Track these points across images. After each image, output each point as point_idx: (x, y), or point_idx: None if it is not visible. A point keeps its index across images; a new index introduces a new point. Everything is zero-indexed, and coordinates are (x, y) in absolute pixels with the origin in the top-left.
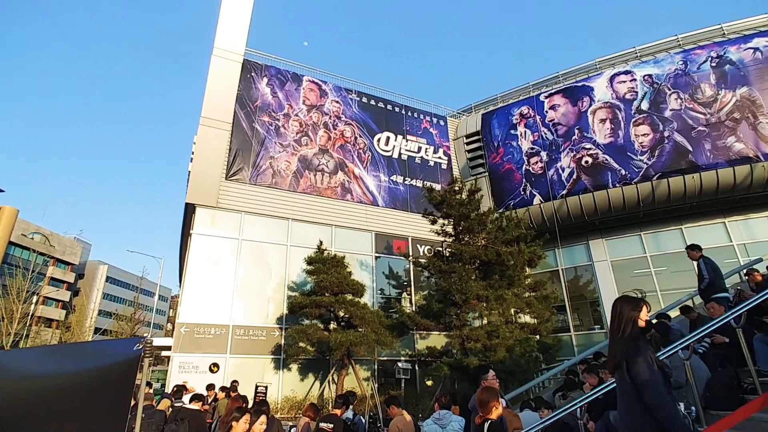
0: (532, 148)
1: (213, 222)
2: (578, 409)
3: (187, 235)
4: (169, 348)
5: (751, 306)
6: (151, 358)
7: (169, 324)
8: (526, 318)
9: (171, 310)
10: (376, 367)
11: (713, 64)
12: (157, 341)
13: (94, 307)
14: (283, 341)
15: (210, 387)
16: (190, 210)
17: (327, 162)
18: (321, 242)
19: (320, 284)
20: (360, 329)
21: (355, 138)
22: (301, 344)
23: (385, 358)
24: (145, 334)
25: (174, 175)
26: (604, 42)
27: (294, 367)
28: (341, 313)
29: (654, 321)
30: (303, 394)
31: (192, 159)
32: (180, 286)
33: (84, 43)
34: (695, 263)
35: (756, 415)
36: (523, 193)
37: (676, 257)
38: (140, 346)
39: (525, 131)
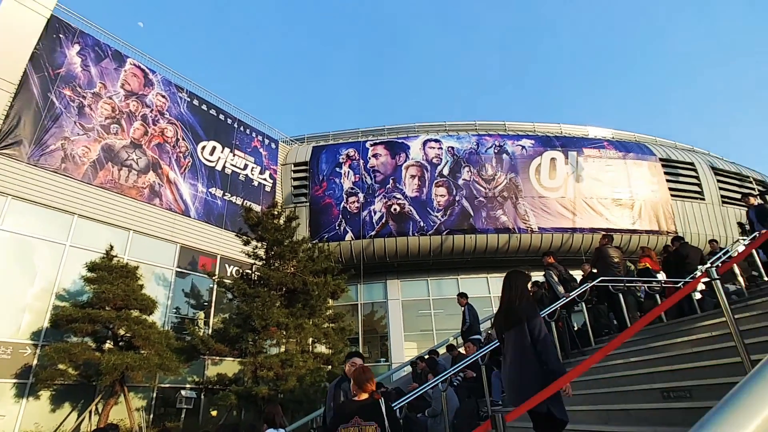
0: (352, 188)
1: None
2: None
3: None
4: None
5: (493, 347)
6: None
7: None
8: (321, 348)
9: None
10: (154, 395)
11: (496, 151)
12: None
13: None
14: (35, 361)
15: None
16: None
17: (138, 158)
18: (112, 247)
19: (101, 296)
20: (142, 351)
21: (177, 140)
22: (61, 366)
23: (167, 385)
24: None
25: None
26: (423, 108)
27: (45, 394)
28: (122, 332)
29: (426, 357)
30: (51, 429)
31: None
32: None
33: None
34: (462, 308)
35: None
36: (338, 228)
37: (451, 302)
38: None
39: (348, 171)
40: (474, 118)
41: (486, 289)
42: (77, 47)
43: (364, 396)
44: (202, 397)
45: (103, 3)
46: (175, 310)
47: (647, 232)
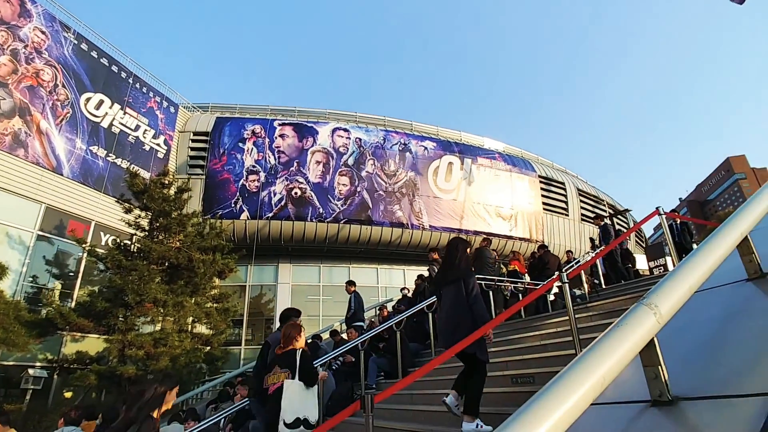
0: (254, 166)
1: None
2: (223, 419)
3: None
4: None
5: (373, 334)
6: None
7: None
8: (202, 328)
9: None
10: None
11: (400, 148)
12: None
13: None
14: None
15: None
16: None
17: (1, 99)
18: None
19: None
20: None
21: (56, 86)
22: None
23: (11, 363)
24: None
25: None
26: (333, 96)
27: None
28: None
29: (309, 341)
30: None
31: None
32: None
33: None
34: (349, 296)
35: (349, 419)
36: (233, 206)
37: (340, 289)
38: None
39: (252, 148)
40: (383, 113)
41: (375, 279)
42: None
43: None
44: (55, 376)
45: None
46: (31, 279)
47: (520, 239)
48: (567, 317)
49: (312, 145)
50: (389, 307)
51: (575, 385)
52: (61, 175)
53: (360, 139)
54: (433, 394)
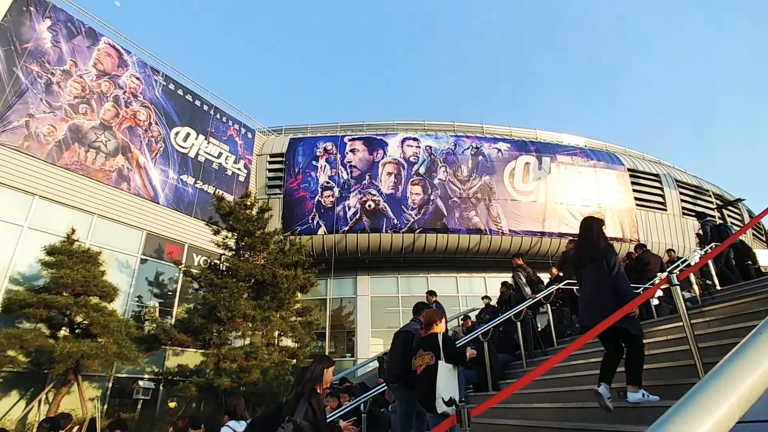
0: (327, 183)
1: None
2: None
3: None
4: None
5: (467, 341)
6: None
7: None
8: (288, 342)
9: None
10: (110, 384)
11: (472, 152)
12: None
13: None
14: None
15: None
16: None
17: (107, 141)
18: (74, 230)
19: (59, 281)
20: (100, 339)
21: (150, 124)
22: (11, 353)
23: (123, 375)
24: None
25: None
26: (401, 106)
27: None
28: (79, 319)
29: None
30: None
31: None
32: None
33: None
34: (431, 306)
35: None
36: (311, 222)
37: (419, 299)
38: None
39: (325, 165)
40: (452, 119)
41: (455, 288)
42: (48, 22)
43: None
44: (161, 388)
45: None
46: (137, 299)
47: (611, 239)
48: (679, 323)
49: (382, 157)
50: (473, 316)
51: (717, 399)
52: (158, 203)
53: (430, 147)
54: (528, 408)
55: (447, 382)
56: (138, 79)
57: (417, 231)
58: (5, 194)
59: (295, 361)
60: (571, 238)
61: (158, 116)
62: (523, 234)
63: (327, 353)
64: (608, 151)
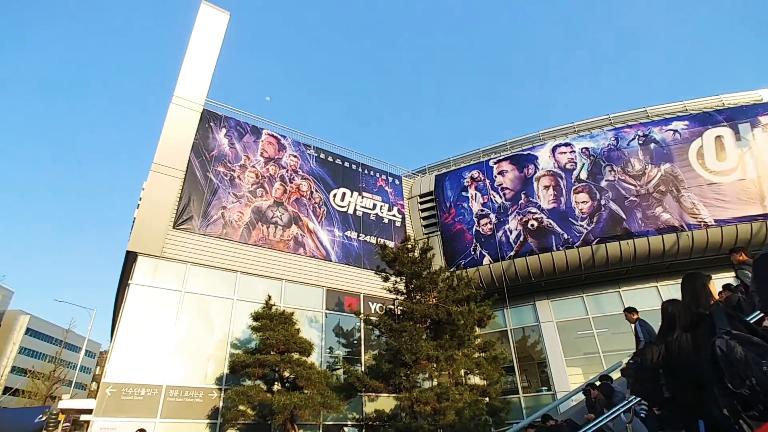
0: (482, 210)
1: (155, 272)
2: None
3: (125, 285)
4: (90, 411)
5: None
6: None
7: (94, 383)
8: (475, 379)
9: (98, 368)
10: None
11: (640, 142)
12: (77, 403)
13: (6, 363)
14: (221, 404)
15: None
16: (131, 258)
17: (281, 215)
18: (270, 297)
19: (266, 342)
20: (306, 391)
21: (311, 192)
22: (241, 407)
23: (330, 423)
24: (63, 396)
25: (116, 223)
26: (544, 115)
27: None
28: (286, 374)
29: (597, 383)
30: None
31: (138, 205)
32: (111, 341)
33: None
34: (632, 326)
35: None
36: (473, 253)
37: (615, 319)
38: (43, 418)
39: (475, 194)
40: (607, 111)
41: (657, 300)
42: (224, 130)
43: None
44: None
45: (236, 87)
46: (328, 351)
47: None
48: None
49: (535, 172)
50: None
51: None
52: (331, 260)
53: (587, 149)
54: None
55: None
56: (295, 156)
57: (593, 242)
58: (219, 275)
59: (488, 399)
60: None
61: (317, 184)
62: (735, 222)
63: (520, 387)
64: None
